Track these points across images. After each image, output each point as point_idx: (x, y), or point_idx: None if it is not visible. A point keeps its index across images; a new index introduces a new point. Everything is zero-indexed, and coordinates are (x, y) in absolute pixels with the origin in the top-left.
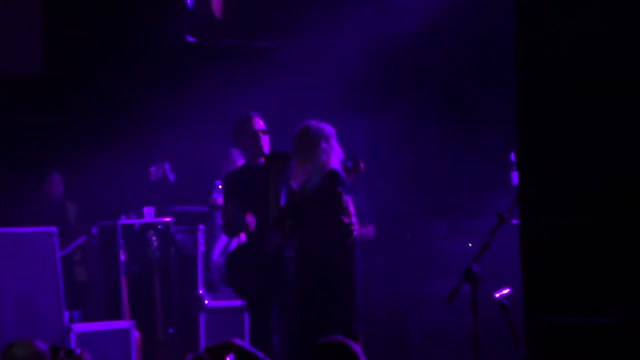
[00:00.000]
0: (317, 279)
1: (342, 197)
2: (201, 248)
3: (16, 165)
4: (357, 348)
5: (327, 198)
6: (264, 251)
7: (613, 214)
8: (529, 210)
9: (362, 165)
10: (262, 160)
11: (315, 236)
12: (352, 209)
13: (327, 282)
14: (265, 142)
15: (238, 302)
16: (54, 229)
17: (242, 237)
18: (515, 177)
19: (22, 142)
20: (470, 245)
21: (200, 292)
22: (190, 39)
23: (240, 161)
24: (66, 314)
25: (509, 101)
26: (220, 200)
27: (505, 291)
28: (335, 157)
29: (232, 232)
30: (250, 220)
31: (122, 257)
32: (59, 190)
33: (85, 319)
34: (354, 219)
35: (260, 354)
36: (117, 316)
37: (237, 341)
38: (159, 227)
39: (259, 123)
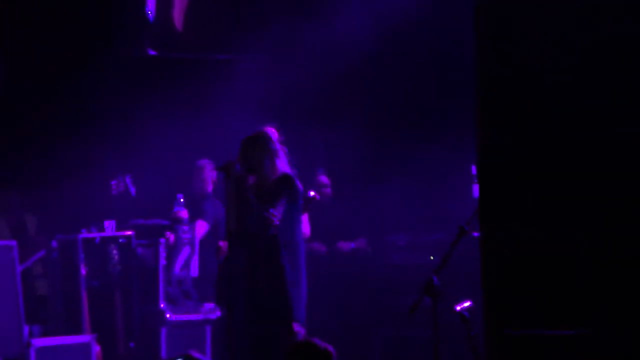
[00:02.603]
0: (248, 279)
1: (280, 198)
2: (162, 262)
3: None
4: (330, 348)
5: (269, 197)
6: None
7: (574, 228)
8: (490, 222)
9: (316, 196)
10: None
11: (248, 235)
12: (279, 211)
13: (255, 282)
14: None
15: (199, 316)
16: (13, 242)
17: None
18: (476, 189)
19: None
20: (431, 258)
21: (162, 306)
22: (152, 52)
23: (209, 171)
24: (26, 329)
25: (470, 113)
26: (180, 213)
27: (467, 304)
28: (282, 161)
29: None
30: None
31: (83, 271)
32: (15, 203)
33: (45, 333)
34: (277, 213)
35: None
36: (78, 330)
37: (196, 354)
38: (120, 240)
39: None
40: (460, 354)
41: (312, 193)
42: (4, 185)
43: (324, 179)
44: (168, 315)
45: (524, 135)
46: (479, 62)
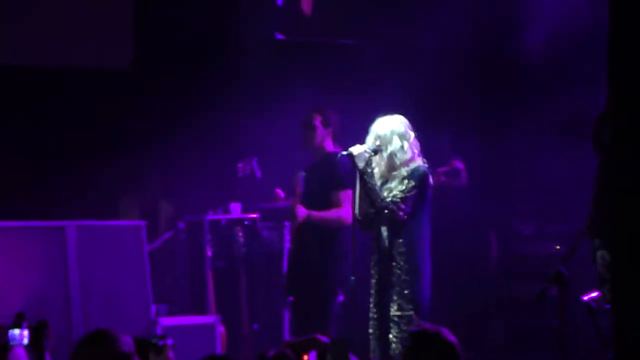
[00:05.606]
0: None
1: (411, 192)
2: (287, 245)
3: (108, 158)
4: (453, 338)
5: (399, 188)
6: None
7: None
8: (620, 212)
9: (443, 178)
10: (324, 156)
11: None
12: (409, 205)
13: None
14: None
15: None
16: (142, 222)
17: None
18: None
19: (111, 136)
20: (558, 247)
21: None
22: (280, 36)
23: None
24: (153, 308)
25: (602, 100)
26: None
27: (594, 294)
28: (415, 149)
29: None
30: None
31: (209, 252)
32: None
33: (171, 313)
34: (404, 207)
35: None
36: (203, 311)
37: (322, 338)
38: (246, 223)
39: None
40: (586, 345)
41: None
42: (146, 169)
43: (458, 164)
44: (291, 298)
45: None
46: (612, 54)
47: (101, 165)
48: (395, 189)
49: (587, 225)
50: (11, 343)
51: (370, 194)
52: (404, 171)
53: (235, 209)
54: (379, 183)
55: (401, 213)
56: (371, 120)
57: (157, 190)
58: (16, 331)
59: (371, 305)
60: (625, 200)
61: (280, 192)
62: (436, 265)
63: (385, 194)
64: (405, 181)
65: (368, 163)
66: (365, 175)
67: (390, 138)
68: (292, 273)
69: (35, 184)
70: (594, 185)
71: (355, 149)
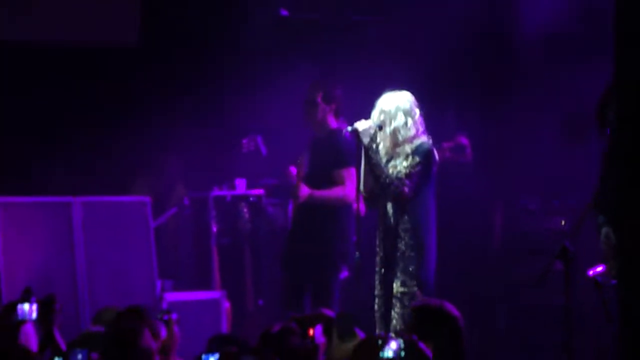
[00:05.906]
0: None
1: (415, 168)
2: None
3: (113, 135)
4: (456, 312)
5: (409, 170)
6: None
7: None
8: (625, 186)
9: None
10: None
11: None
12: (413, 181)
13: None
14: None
15: None
16: (147, 198)
17: None
18: None
19: (118, 112)
20: (563, 223)
21: None
22: (284, 12)
23: None
24: (159, 283)
25: (607, 75)
26: None
27: (599, 269)
28: (420, 126)
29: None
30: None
31: (214, 228)
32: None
33: (176, 288)
34: (409, 183)
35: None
36: (208, 286)
37: (328, 312)
38: (251, 199)
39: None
40: (592, 320)
41: None
42: (155, 147)
43: (463, 139)
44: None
45: None
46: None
47: (110, 144)
48: (400, 165)
49: (593, 200)
50: (20, 318)
51: (375, 169)
52: (408, 148)
53: (240, 185)
54: (384, 160)
55: (406, 189)
56: (376, 96)
57: (169, 168)
58: (25, 306)
59: (376, 282)
60: (630, 178)
61: (293, 170)
62: (440, 242)
63: (390, 170)
64: (410, 157)
65: (373, 139)
66: (370, 151)
67: (394, 114)
68: (291, 250)
69: (46, 162)
70: (601, 161)
71: (361, 125)
